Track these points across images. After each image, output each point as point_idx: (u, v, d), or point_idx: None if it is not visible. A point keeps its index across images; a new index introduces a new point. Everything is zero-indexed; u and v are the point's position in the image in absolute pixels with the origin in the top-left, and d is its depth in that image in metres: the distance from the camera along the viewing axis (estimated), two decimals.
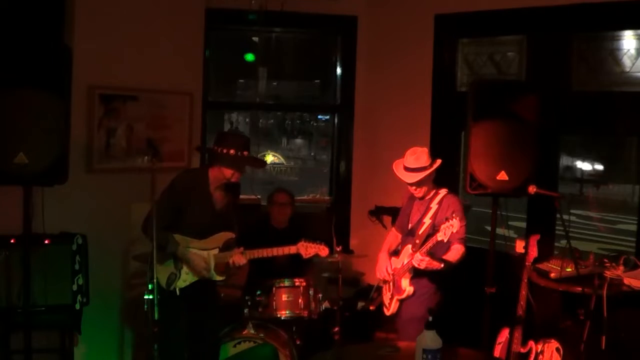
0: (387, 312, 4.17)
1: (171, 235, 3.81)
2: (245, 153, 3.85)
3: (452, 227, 3.56)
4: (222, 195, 3.97)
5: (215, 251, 3.95)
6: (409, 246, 3.96)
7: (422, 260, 3.73)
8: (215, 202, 3.95)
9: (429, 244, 3.72)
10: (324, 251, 4.09)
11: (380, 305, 4.28)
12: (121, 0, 4.70)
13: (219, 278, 3.99)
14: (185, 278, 3.90)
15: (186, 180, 3.90)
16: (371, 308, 4.30)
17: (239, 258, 3.94)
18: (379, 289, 4.34)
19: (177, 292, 3.86)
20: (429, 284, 3.99)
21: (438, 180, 4.07)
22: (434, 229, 3.88)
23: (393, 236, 4.33)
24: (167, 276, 3.84)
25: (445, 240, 3.66)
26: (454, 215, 3.60)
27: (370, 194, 5.68)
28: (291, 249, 4.07)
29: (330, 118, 6.20)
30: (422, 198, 4.04)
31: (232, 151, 3.79)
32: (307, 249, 4.05)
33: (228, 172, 3.84)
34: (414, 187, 3.97)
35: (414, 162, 3.90)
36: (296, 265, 4.89)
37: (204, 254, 3.92)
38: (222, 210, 3.98)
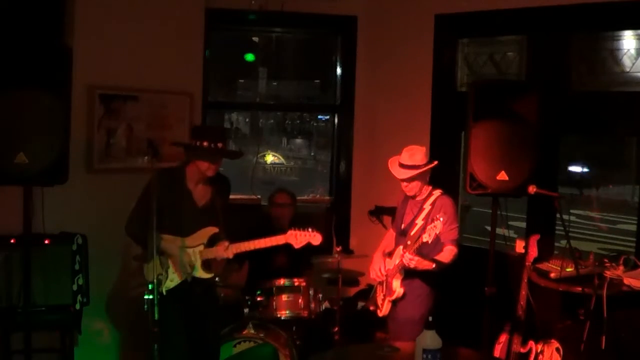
0: (380, 314, 4.14)
1: (155, 232, 3.63)
2: (220, 145, 3.69)
3: (435, 228, 3.53)
4: (204, 190, 3.86)
5: (201, 248, 3.83)
6: (401, 247, 3.94)
7: (411, 260, 3.70)
8: (197, 198, 3.84)
9: (417, 244, 3.69)
10: (316, 239, 3.77)
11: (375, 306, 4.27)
12: (121, 0, 4.70)
13: (206, 275, 3.84)
14: (172, 278, 3.79)
15: (161, 180, 3.69)
16: (371, 308, 4.30)
17: (223, 252, 3.80)
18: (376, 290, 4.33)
19: (164, 292, 3.65)
20: (422, 286, 3.96)
21: (437, 180, 4.06)
22: (425, 230, 3.89)
23: (390, 236, 4.31)
24: (154, 278, 3.77)
25: (430, 242, 3.61)
26: (438, 216, 3.56)
27: (370, 194, 5.68)
28: (279, 240, 3.79)
29: (330, 118, 6.20)
30: (414, 197, 4.02)
31: (205, 143, 3.66)
32: (298, 238, 3.76)
33: (203, 166, 3.71)
34: (404, 184, 3.96)
35: (408, 159, 3.90)
36: (296, 265, 4.89)
37: (189, 251, 3.81)
38: (205, 206, 3.86)
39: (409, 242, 3.87)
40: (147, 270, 3.69)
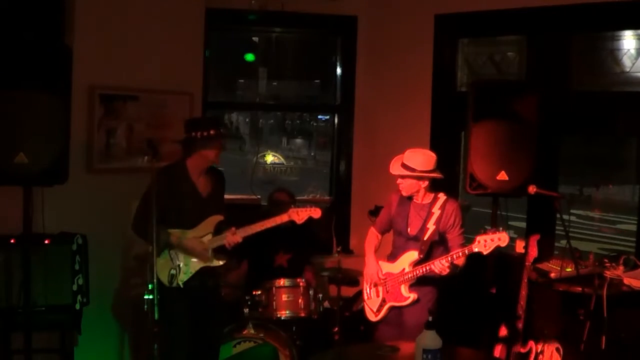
0: (376, 318, 4.08)
1: (161, 228, 3.71)
2: (222, 130, 3.89)
3: (499, 241, 3.49)
4: (206, 181, 3.95)
5: (209, 237, 3.91)
6: (414, 253, 3.89)
7: (446, 267, 3.67)
8: (201, 189, 3.92)
9: (460, 252, 3.66)
10: (316, 213, 3.97)
11: (362, 309, 4.22)
12: (121, 0, 4.70)
13: (218, 263, 3.94)
14: (186, 270, 3.86)
15: (164, 176, 3.80)
16: (354, 309, 4.28)
17: (233, 238, 3.89)
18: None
19: (181, 285, 3.82)
20: (433, 290, 3.95)
21: (438, 180, 4.04)
22: (438, 235, 3.88)
23: (374, 236, 4.24)
24: (167, 274, 3.82)
25: (485, 253, 3.58)
26: (501, 228, 3.54)
27: (370, 194, 5.68)
28: (282, 218, 3.96)
29: (330, 118, 6.20)
30: (409, 198, 3.97)
31: (212, 131, 3.80)
32: (299, 214, 3.96)
33: (211, 154, 3.83)
34: (399, 180, 3.91)
35: (407, 159, 3.86)
36: (296, 265, 4.90)
37: (199, 241, 3.88)
38: (209, 196, 3.95)
39: (423, 248, 3.85)
40: (158, 269, 3.75)
